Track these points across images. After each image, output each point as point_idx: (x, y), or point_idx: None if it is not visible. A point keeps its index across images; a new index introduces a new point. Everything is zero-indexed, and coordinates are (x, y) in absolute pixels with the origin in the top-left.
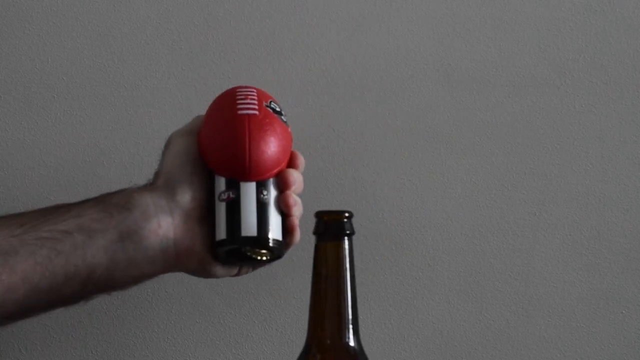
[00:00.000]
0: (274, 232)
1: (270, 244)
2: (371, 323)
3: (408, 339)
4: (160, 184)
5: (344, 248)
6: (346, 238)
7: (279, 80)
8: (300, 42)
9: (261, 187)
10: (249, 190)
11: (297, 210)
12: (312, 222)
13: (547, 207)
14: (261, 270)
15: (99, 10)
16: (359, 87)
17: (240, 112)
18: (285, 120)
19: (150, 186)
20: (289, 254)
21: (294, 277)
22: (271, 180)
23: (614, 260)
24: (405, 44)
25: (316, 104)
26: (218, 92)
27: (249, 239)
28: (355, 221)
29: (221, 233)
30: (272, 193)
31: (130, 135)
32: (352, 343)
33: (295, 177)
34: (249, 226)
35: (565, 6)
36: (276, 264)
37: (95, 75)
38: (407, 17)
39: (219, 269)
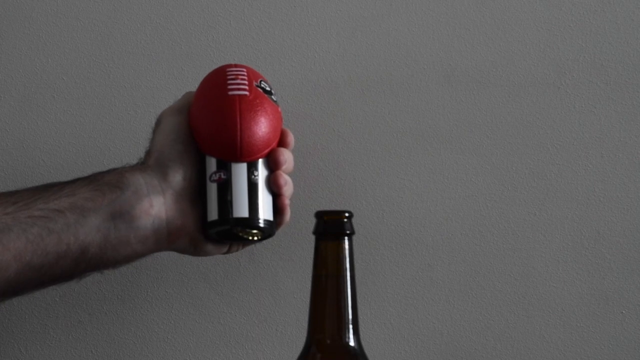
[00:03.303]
0: (265, 212)
1: (261, 225)
2: (371, 323)
3: (408, 339)
4: (152, 163)
5: (344, 248)
6: (346, 238)
7: (279, 80)
8: (300, 42)
9: (252, 167)
10: (240, 171)
11: (287, 190)
12: (312, 222)
13: (547, 207)
14: (261, 270)
15: (99, 10)
16: (359, 87)
17: (230, 92)
18: (275, 99)
19: (141, 165)
20: (289, 254)
21: (294, 277)
22: (261, 160)
23: (614, 260)
24: (405, 44)
25: (316, 104)
26: None
27: (241, 220)
28: (355, 221)
29: (213, 214)
30: (262, 173)
31: (130, 135)
32: (352, 343)
33: (286, 157)
34: (240, 207)
35: (565, 6)
36: (276, 264)
37: (95, 75)
38: (407, 17)
39: (209, 248)
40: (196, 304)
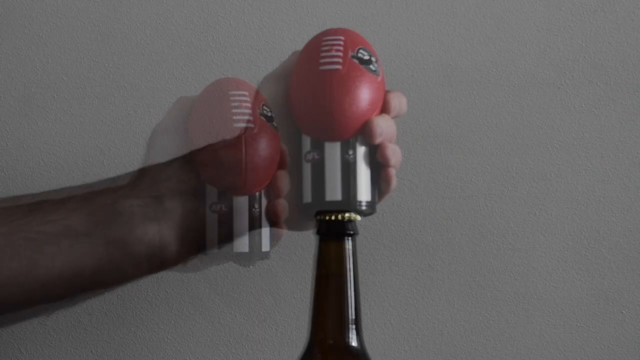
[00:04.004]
0: (264, 245)
1: (258, 259)
2: (371, 323)
3: (408, 339)
4: (147, 187)
5: (347, 248)
6: (349, 239)
7: None
8: (300, 42)
9: (252, 200)
10: (241, 204)
11: (283, 217)
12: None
13: (547, 207)
14: (261, 270)
15: (99, 10)
16: None
17: (237, 127)
18: (275, 125)
19: (136, 188)
20: (289, 254)
21: (294, 277)
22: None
23: (614, 260)
24: (405, 44)
25: None
26: None
27: (239, 255)
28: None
29: (212, 244)
30: (262, 203)
31: (130, 135)
32: (354, 343)
33: (284, 183)
34: (241, 243)
35: (565, 6)
36: (276, 264)
37: (95, 75)
38: (407, 17)
39: (203, 267)
40: (196, 304)
